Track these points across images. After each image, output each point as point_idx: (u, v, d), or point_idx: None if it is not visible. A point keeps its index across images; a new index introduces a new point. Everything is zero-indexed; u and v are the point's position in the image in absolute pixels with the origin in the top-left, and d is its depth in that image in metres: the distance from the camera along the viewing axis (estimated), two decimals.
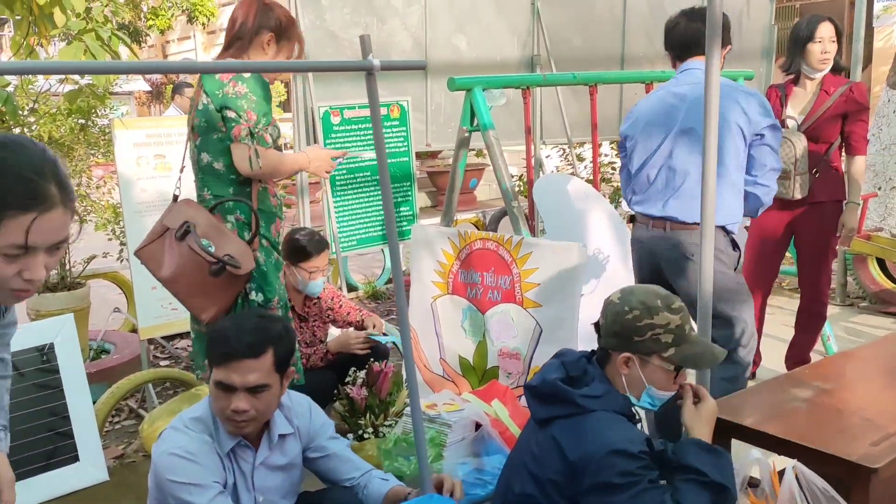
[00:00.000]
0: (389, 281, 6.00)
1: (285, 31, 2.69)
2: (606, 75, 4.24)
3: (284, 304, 2.81)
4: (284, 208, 2.94)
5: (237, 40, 2.64)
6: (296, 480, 2.14)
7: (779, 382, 2.37)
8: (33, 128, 4.00)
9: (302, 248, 3.41)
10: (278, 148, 2.69)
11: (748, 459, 1.82)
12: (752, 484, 1.85)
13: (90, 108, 4.20)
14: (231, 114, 2.52)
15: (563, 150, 5.94)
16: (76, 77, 4.13)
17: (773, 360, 3.98)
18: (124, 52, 3.95)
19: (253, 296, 2.67)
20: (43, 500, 2.94)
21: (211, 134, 2.59)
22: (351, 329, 3.63)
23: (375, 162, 4.37)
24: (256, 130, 2.55)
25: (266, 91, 2.63)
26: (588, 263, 3.18)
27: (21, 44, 3.81)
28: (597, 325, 2.01)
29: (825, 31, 3.46)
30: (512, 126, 4.94)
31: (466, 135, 3.48)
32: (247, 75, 2.56)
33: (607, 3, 5.67)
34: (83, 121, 4.23)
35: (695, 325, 2.11)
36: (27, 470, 2.94)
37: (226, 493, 1.92)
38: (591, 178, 4.01)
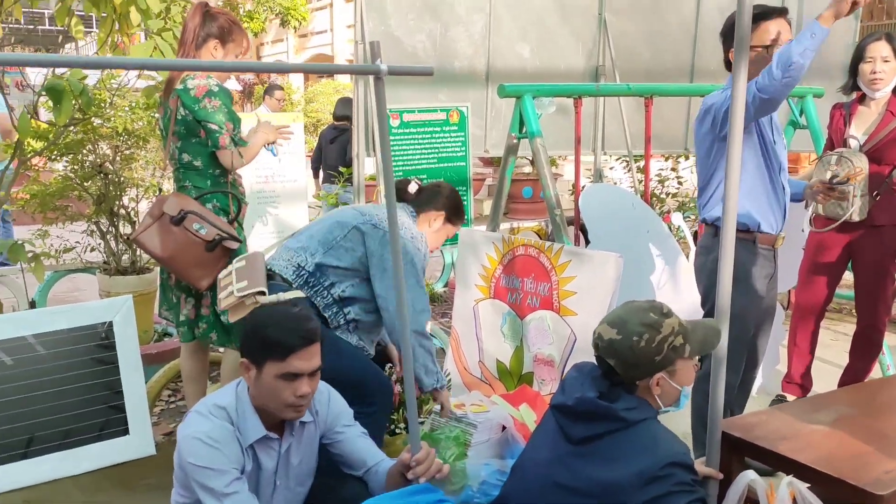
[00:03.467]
0: (448, 284, 6.08)
1: (228, 34, 3.10)
2: (661, 87, 4.18)
3: None
4: None
5: (183, 45, 3.09)
6: (312, 467, 2.21)
7: (803, 404, 2.32)
8: (111, 120, 4.25)
9: None
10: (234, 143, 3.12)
11: (744, 479, 1.80)
12: (753, 501, 1.82)
13: None
14: (213, 126, 3.00)
15: (626, 161, 5.89)
16: (153, 73, 4.37)
17: (828, 387, 3.85)
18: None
19: None
20: (92, 468, 3.13)
21: (190, 138, 3.08)
22: None
23: (431, 165, 4.48)
24: (235, 136, 3.04)
25: (231, 99, 3.12)
26: (623, 274, 3.16)
27: (105, 40, 4.07)
28: (602, 367, 1.99)
29: (877, 49, 3.35)
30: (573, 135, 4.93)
31: (515, 141, 3.53)
32: (216, 89, 2.99)
33: (678, 15, 5.59)
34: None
35: None
36: (79, 439, 3.14)
37: (243, 479, 2.00)
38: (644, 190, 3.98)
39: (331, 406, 2.21)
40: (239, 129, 3.12)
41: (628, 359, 1.90)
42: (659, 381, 1.92)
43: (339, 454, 2.21)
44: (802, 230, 3.72)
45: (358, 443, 2.20)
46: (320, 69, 3.39)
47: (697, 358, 2.00)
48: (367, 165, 4.47)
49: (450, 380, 3.66)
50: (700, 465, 2.01)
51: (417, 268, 2.83)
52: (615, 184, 5.99)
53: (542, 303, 3.31)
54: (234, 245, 3.05)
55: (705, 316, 3.02)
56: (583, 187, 3.78)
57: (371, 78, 4.34)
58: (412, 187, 3.07)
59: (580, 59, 5.26)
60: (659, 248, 3.70)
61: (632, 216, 3.69)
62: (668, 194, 6.53)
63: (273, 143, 3.33)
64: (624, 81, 5.18)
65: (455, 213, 3.10)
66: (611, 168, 6.80)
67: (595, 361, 2.02)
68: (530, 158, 11.84)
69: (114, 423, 3.23)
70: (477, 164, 8.70)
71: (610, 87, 4.30)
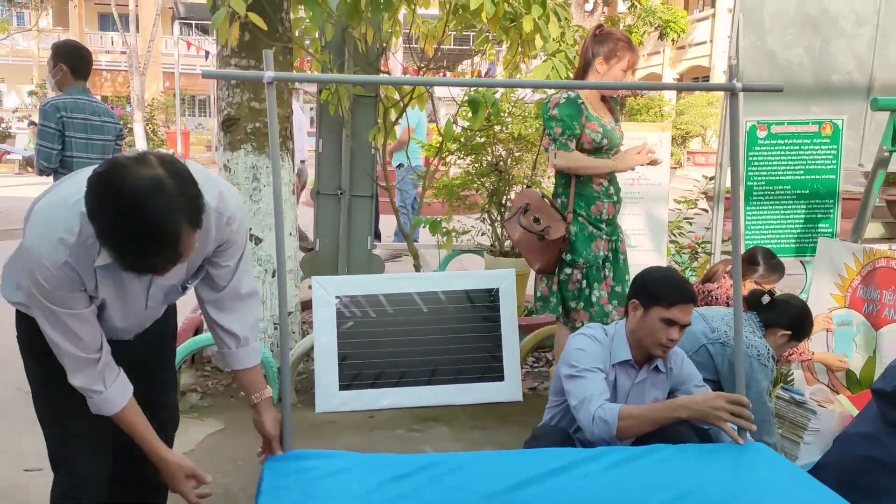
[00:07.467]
0: None
1: (612, 52, 3.38)
2: None
3: (590, 267, 3.43)
4: None
5: (581, 67, 3.52)
6: None
7: None
8: (508, 127, 5.10)
9: (758, 263, 3.61)
10: (599, 148, 3.44)
11: None
12: None
13: None
14: (546, 130, 3.49)
15: None
16: (548, 90, 5.13)
17: None
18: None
19: (565, 256, 3.45)
20: (474, 401, 3.92)
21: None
22: None
23: (797, 177, 4.56)
24: (561, 139, 3.39)
25: (575, 111, 3.37)
26: None
27: (510, 61, 4.93)
28: None
29: None
30: None
31: (886, 154, 3.52)
32: (563, 100, 3.37)
33: None
34: None
35: None
36: (467, 377, 3.95)
37: (597, 373, 2.49)
38: None
39: (683, 367, 2.66)
40: (571, 136, 3.35)
41: None
42: None
43: None
44: None
45: None
46: (669, 87, 3.57)
47: None
48: (727, 174, 4.68)
49: (793, 380, 3.80)
50: None
51: (762, 385, 2.90)
52: None
53: None
54: (550, 237, 3.37)
55: None
56: None
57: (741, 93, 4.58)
58: (765, 299, 3.10)
59: None
60: None
61: None
62: None
63: (641, 163, 3.54)
64: None
65: (800, 332, 3.13)
66: None
67: None
68: None
69: (493, 370, 3.99)
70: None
71: None
